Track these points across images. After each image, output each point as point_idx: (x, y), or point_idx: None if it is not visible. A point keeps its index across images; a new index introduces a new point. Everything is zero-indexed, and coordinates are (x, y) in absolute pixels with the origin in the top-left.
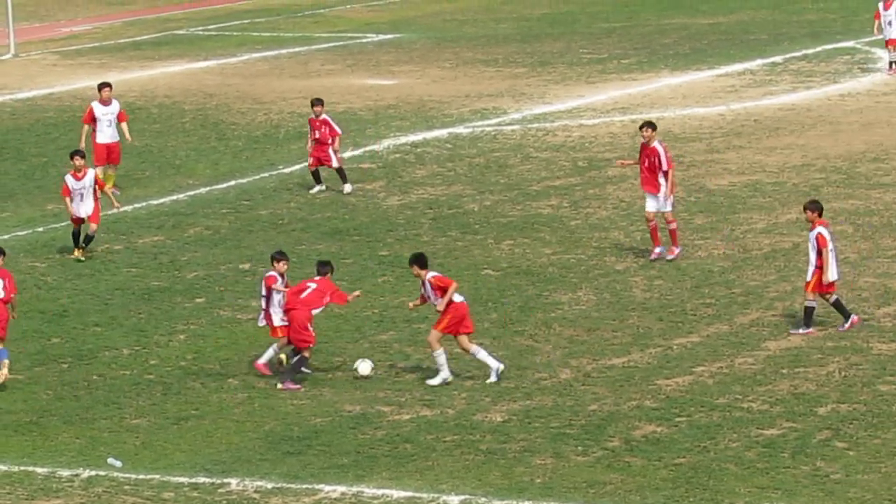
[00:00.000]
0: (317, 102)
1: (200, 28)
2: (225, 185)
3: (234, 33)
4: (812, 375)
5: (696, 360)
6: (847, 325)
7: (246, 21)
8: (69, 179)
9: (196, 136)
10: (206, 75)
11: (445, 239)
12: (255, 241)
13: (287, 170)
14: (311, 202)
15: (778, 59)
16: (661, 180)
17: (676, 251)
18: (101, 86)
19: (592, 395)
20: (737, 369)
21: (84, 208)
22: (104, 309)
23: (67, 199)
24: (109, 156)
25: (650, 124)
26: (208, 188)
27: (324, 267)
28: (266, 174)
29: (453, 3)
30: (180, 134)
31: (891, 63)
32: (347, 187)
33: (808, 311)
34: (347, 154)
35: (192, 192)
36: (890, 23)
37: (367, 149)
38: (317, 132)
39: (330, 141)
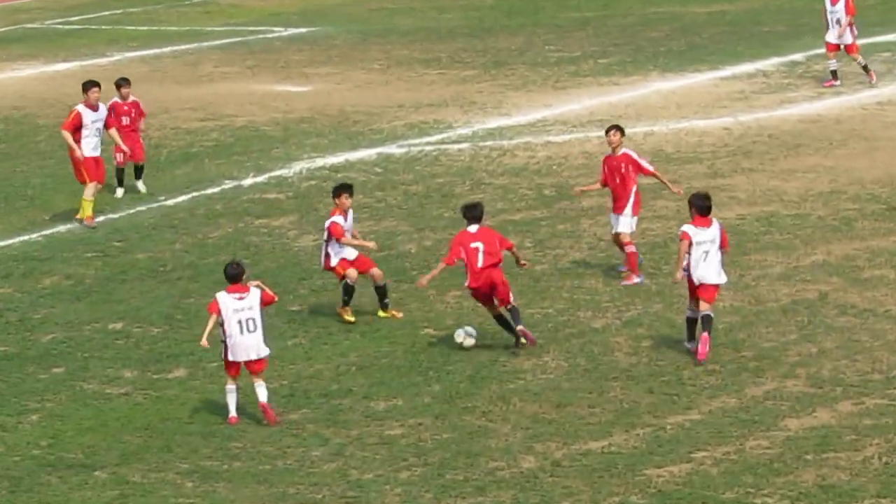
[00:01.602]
0: (123, 83)
1: (60, 21)
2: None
3: (103, 27)
4: (844, 462)
5: (695, 443)
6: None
7: (118, 11)
8: (339, 218)
9: (54, 159)
10: (67, 80)
11: (373, 289)
12: (128, 294)
13: (170, 202)
14: (203, 243)
15: (798, 57)
16: (633, 192)
17: (636, 279)
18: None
19: (563, 489)
20: (748, 455)
21: (348, 253)
22: None
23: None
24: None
25: (619, 128)
26: (69, 226)
27: (472, 211)
28: (143, 207)
29: None
30: (34, 156)
31: (833, 72)
32: (142, 186)
33: (688, 322)
34: (248, 181)
35: (48, 231)
36: (839, 21)
37: (274, 174)
38: (125, 118)
39: (138, 127)
